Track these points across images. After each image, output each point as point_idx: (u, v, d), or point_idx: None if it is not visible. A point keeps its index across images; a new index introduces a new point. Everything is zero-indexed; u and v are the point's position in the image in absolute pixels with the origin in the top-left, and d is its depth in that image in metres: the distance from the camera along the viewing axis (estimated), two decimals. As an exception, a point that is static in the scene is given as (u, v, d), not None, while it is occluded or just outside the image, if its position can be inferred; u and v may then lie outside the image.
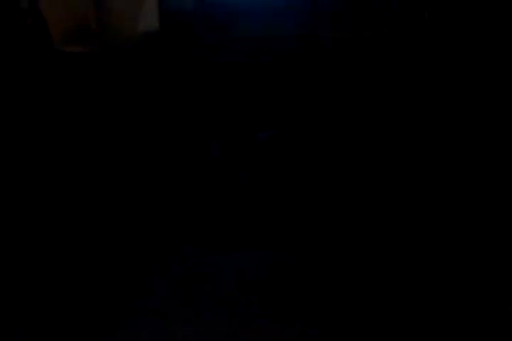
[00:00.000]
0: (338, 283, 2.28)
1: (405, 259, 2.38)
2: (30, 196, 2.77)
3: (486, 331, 1.98)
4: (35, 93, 2.95)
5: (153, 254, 2.54)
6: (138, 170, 2.91)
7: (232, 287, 2.30)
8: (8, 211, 2.71)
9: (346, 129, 2.72)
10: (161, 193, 2.84)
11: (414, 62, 2.64)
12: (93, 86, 3.02)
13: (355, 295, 2.18)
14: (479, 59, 2.52)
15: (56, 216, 2.74)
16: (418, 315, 2.07)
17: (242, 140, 2.92)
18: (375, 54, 2.65)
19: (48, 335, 2.03)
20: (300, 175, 2.87)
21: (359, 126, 2.71)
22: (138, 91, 2.97)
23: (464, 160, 2.54)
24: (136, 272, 2.40)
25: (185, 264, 2.47)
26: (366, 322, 2.05)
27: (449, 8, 2.58)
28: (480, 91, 2.53)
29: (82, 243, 2.60)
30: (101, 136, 3.00)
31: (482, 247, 2.36)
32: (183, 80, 2.90)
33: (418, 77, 2.63)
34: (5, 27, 2.92)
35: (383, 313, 2.08)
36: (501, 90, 2.49)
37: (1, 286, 2.31)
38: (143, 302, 2.19)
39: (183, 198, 2.83)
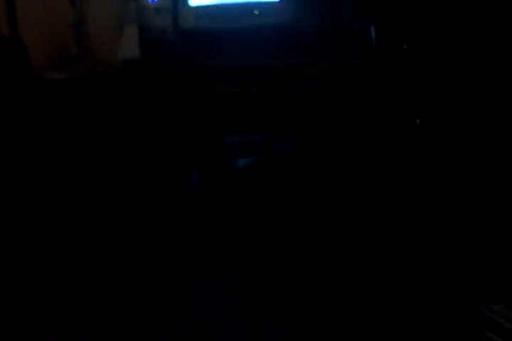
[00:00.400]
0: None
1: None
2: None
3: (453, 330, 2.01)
4: (17, 120, 2.96)
5: (131, 285, 2.54)
6: (116, 197, 2.91)
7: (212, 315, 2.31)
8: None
9: (327, 157, 2.72)
10: (139, 222, 2.85)
11: (393, 91, 2.65)
12: (73, 112, 3.02)
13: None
14: (456, 87, 2.54)
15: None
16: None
17: (221, 167, 2.93)
18: (355, 83, 2.66)
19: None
20: (280, 201, 2.88)
21: (338, 154, 2.71)
22: (117, 118, 2.98)
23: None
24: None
25: (162, 294, 2.47)
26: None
27: (426, 39, 2.60)
28: (460, 119, 2.54)
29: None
30: (82, 162, 3.01)
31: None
32: (162, 108, 2.91)
33: (398, 106, 2.65)
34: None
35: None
36: (481, 116, 2.50)
37: None
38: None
39: (161, 227, 2.84)
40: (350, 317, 2.19)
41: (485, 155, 2.47)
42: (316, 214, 2.71)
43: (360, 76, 2.64)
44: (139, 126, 2.95)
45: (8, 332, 2.17)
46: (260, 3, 2.78)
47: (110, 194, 2.93)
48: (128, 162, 2.95)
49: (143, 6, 2.97)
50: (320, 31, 2.80)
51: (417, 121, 2.59)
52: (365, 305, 2.27)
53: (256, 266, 2.65)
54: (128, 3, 3.08)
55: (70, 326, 2.20)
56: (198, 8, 2.87)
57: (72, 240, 2.79)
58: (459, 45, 2.51)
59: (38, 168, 2.95)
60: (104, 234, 2.84)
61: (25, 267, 2.61)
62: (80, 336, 2.14)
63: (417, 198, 2.54)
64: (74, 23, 3.18)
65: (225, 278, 2.57)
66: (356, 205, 2.68)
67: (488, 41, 2.45)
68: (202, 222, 2.85)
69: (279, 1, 2.76)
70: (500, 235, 2.35)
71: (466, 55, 2.48)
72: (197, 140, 2.96)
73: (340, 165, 2.69)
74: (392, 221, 2.58)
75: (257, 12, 2.77)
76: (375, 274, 2.45)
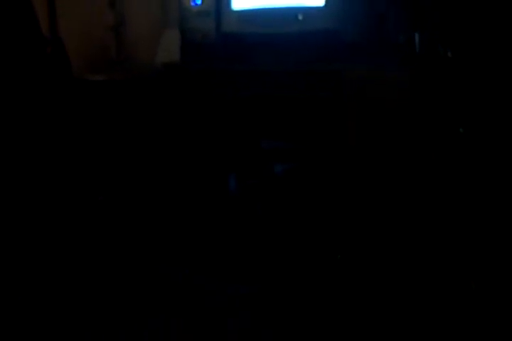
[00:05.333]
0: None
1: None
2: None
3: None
4: (55, 121, 2.95)
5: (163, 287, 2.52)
6: (154, 200, 2.90)
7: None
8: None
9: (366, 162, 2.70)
10: (176, 225, 2.83)
11: (439, 101, 2.63)
12: (113, 114, 3.02)
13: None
14: (505, 96, 2.51)
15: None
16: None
17: (259, 173, 2.92)
18: (398, 92, 2.64)
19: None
20: (317, 208, 2.86)
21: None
22: (157, 121, 2.97)
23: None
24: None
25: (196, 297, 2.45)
26: None
27: (472, 47, 2.58)
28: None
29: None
30: (120, 164, 3.00)
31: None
32: (201, 112, 2.90)
33: (442, 114, 2.62)
34: (25, 55, 2.92)
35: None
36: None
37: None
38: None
39: (197, 229, 2.82)
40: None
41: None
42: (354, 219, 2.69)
43: (403, 83, 2.62)
44: (177, 131, 2.94)
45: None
46: (304, 8, 2.78)
47: (147, 196, 2.92)
48: (165, 165, 2.94)
49: (184, 9, 2.97)
50: (363, 38, 2.79)
51: (460, 129, 2.58)
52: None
53: (292, 270, 2.62)
54: (168, 7, 3.09)
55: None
56: (240, 12, 2.87)
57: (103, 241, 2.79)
58: (503, 52, 2.49)
59: (71, 168, 2.94)
60: (139, 235, 2.83)
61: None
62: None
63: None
64: (114, 25, 3.18)
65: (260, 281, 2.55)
66: (399, 212, 2.64)
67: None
68: (239, 226, 2.83)
69: (323, 6, 2.75)
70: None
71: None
72: (235, 145, 2.94)
73: (381, 172, 2.66)
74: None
75: (300, 17, 2.77)
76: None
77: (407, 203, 2.62)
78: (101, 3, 3.22)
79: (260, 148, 2.97)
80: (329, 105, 2.71)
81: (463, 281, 2.35)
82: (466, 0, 2.59)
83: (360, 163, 2.70)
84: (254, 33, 2.85)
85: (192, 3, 2.94)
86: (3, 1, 2.70)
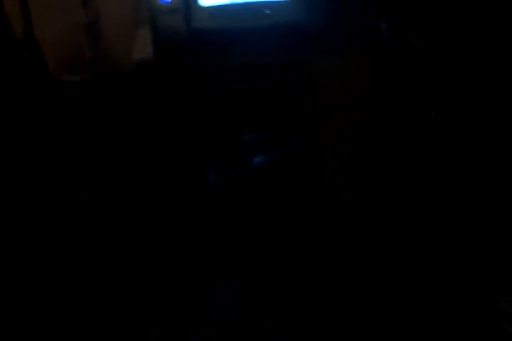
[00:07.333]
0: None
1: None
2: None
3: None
4: (34, 123, 3.01)
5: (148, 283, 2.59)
6: (136, 197, 2.97)
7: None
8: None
9: (341, 151, 2.75)
10: (156, 220, 2.90)
11: (408, 87, 2.66)
12: (90, 113, 3.08)
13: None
14: (470, 85, 2.55)
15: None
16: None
17: (238, 165, 2.98)
18: (366, 78, 2.68)
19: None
20: (297, 197, 2.92)
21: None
22: (135, 118, 3.03)
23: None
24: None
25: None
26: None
27: (439, 34, 2.62)
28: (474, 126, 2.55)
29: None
30: (100, 163, 3.07)
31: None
32: (178, 108, 2.96)
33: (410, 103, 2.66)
34: (2, 59, 2.97)
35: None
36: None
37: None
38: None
39: (178, 224, 2.89)
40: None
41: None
42: (333, 207, 2.74)
43: (371, 72, 2.67)
44: (155, 126, 3.00)
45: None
46: (271, 2, 2.82)
47: (128, 192, 2.99)
48: (146, 161, 3.00)
49: (154, 7, 3.01)
50: (330, 28, 2.82)
51: (431, 114, 2.62)
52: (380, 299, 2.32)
53: (273, 261, 2.69)
54: (141, 5, 3.13)
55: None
56: (209, 8, 2.91)
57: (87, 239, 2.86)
58: (468, 39, 2.53)
59: (54, 169, 3.01)
60: (122, 231, 2.90)
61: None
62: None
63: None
64: (88, 25, 3.22)
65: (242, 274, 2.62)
66: (374, 199, 2.69)
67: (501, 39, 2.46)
68: (219, 218, 2.90)
69: (290, 0, 2.79)
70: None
71: (477, 51, 2.51)
72: (214, 138, 3.01)
73: (356, 159, 2.71)
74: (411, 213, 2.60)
75: (268, 11, 2.81)
76: (386, 270, 2.48)
77: (385, 192, 2.68)
78: (74, 3, 3.25)
79: (239, 140, 3.03)
80: (300, 96, 2.76)
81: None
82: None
83: (335, 151, 2.75)
84: (223, 28, 2.89)
85: (161, 1, 2.98)
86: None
